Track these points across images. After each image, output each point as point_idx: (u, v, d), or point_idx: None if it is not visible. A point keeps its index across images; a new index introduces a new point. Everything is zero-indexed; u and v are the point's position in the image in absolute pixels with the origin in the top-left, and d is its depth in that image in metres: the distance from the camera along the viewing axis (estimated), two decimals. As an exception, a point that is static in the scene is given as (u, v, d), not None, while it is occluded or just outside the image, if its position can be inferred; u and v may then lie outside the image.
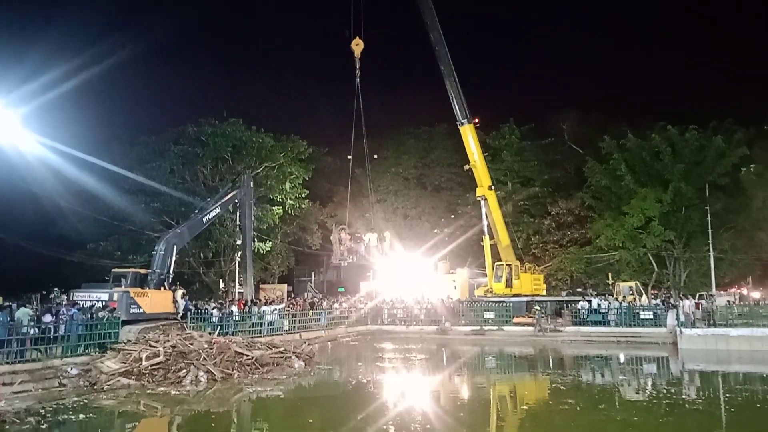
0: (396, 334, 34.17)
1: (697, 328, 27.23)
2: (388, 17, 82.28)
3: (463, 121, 37.83)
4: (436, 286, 39.09)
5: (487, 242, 38.91)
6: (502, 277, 37.78)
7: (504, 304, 34.69)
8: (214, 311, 26.67)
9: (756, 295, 35.95)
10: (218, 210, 29.78)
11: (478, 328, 32.96)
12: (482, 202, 38.94)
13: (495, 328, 32.85)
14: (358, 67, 37.87)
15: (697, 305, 29.33)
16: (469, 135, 37.93)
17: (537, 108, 53.44)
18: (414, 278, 39.82)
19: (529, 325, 32.93)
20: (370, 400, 17.09)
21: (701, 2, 75.87)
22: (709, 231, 35.00)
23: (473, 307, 35.18)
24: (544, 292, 39.72)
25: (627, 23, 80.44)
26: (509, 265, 38.35)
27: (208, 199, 31.26)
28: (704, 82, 64.35)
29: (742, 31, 70.99)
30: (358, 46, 37.46)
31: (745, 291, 41.63)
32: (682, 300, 30.45)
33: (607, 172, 40.66)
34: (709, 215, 35.60)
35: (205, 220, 28.50)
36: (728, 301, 30.30)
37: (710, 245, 34.85)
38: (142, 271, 25.19)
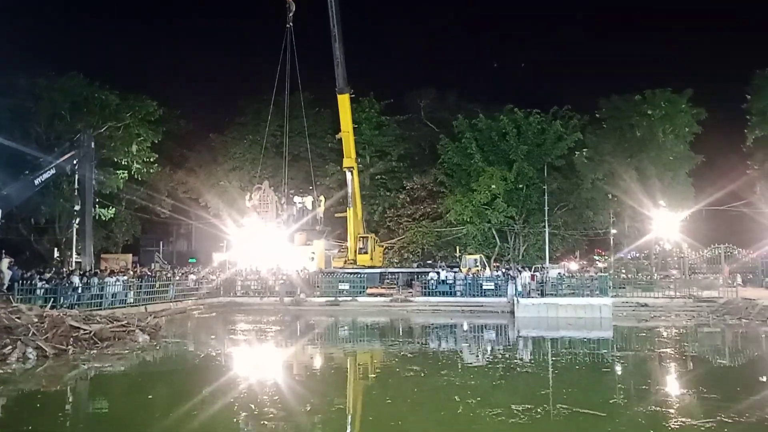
0: (249, 306, 33.59)
1: (532, 297, 29.68)
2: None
3: (344, 88, 38.05)
4: (292, 258, 38.92)
5: (350, 214, 39.40)
6: (365, 249, 38.64)
7: (359, 275, 35.44)
8: (43, 282, 24.44)
9: (574, 266, 39.61)
10: (53, 171, 27.26)
11: (333, 299, 33.36)
12: (348, 173, 39.27)
13: (349, 298, 33.44)
14: (292, 10, 36.69)
15: (532, 277, 31.86)
16: (347, 103, 38.37)
17: (396, 85, 54.59)
18: (270, 249, 39.32)
19: (382, 295, 34.00)
20: (218, 374, 16.66)
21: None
22: (546, 209, 38.01)
23: (328, 279, 35.53)
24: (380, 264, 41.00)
25: (483, 9, 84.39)
26: (369, 238, 39.44)
27: (41, 160, 28.39)
28: (548, 70, 69.73)
29: (582, 28, 77.45)
30: None
31: (573, 264, 45.94)
32: (520, 272, 32.97)
33: (458, 150, 42.60)
34: (546, 194, 38.65)
35: (37, 182, 25.98)
36: (559, 273, 33.19)
37: (546, 222, 37.91)
38: (-41, 237, 22.45)
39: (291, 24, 37.24)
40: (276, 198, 40.05)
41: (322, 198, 41.58)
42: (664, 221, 40.11)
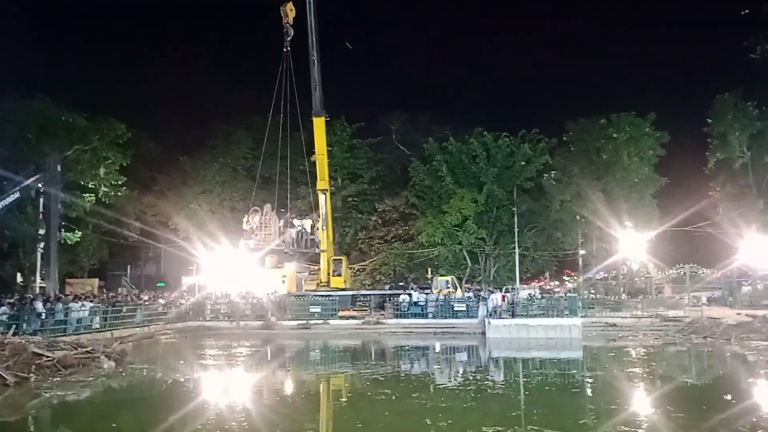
0: (219, 330, 33.08)
1: (503, 318, 29.82)
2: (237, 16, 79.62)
3: (320, 111, 38.52)
4: (263, 281, 38.55)
5: (324, 236, 39.32)
6: (338, 271, 38.58)
7: (330, 298, 35.24)
8: (4, 308, 23.81)
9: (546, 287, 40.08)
10: (17, 195, 26.80)
11: (305, 322, 33.06)
12: (321, 196, 39.38)
13: (321, 321, 33.17)
14: (290, 35, 37.16)
15: (503, 298, 32.08)
16: (322, 126, 38.81)
17: (367, 108, 55.05)
18: (240, 272, 38.90)
19: (353, 318, 33.83)
20: (186, 400, 16.32)
21: (526, 19, 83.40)
22: (516, 230, 38.43)
23: (299, 302, 35.24)
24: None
25: (453, 33, 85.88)
26: (342, 260, 39.47)
27: (6, 183, 27.83)
28: (517, 93, 71.11)
29: (549, 53, 79.29)
30: (292, 11, 36.74)
31: (543, 284, 46.37)
32: (491, 293, 33.14)
33: (429, 172, 42.95)
34: (516, 216, 39.12)
35: (0, 206, 25.36)
36: (529, 293, 33.45)
37: (516, 243, 38.29)
38: None
39: (288, 49, 37.64)
40: (277, 220, 39.92)
41: (319, 221, 41.52)
42: (631, 242, 40.86)
